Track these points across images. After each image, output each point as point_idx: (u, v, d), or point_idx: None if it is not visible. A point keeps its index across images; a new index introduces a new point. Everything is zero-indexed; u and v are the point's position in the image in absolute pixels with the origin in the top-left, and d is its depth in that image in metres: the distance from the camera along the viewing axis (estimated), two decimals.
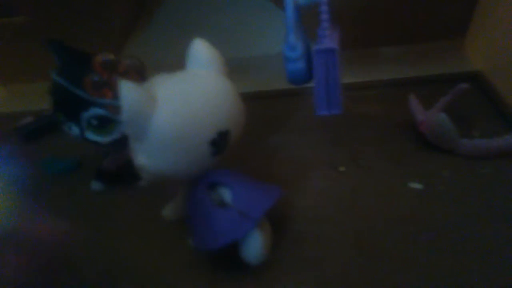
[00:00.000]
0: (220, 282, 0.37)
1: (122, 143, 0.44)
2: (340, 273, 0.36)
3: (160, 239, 0.43)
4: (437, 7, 0.63)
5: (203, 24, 0.75)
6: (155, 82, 0.35)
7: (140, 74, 0.43)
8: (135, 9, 0.72)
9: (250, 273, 0.37)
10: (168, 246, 0.42)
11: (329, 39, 0.40)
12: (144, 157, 0.35)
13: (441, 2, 0.62)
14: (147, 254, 0.42)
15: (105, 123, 0.44)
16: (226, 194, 0.37)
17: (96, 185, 0.51)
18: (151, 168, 0.35)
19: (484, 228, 0.37)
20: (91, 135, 0.44)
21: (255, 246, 0.36)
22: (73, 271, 0.41)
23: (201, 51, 0.36)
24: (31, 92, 0.83)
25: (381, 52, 0.56)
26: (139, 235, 0.44)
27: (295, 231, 0.41)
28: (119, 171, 0.50)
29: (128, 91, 0.32)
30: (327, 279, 0.36)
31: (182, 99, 0.34)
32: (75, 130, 0.44)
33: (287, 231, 0.41)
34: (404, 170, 0.45)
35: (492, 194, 0.40)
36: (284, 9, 0.42)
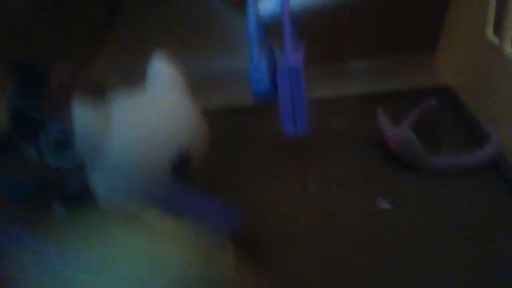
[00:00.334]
0: None
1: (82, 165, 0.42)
2: None
3: None
4: (406, 22, 0.63)
5: (174, 35, 0.73)
6: (112, 103, 0.34)
7: (99, 91, 0.41)
8: (104, 20, 0.70)
9: None
10: None
11: (293, 57, 0.39)
12: (101, 186, 0.34)
13: (410, 16, 0.63)
14: None
15: (64, 147, 0.42)
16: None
17: (58, 210, 0.49)
18: (109, 196, 0.34)
19: (450, 249, 0.37)
20: (52, 160, 0.42)
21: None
22: None
23: (160, 69, 0.35)
24: None
25: (349, 66, 0.56)
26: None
27: (262, 254, 0.40)
28: (80, 194, 0.48)
29: (80, 114, 0.31)
30: None
31: (137, 125, 0.33)
32: (33, 154, 0.42)
33: (253, 254, 0.40)
34: (374, 188, 0.45)
35: (459, 213, 0.40)
36: (247, 24, 0.41)
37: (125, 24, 0.73)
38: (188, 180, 0.37)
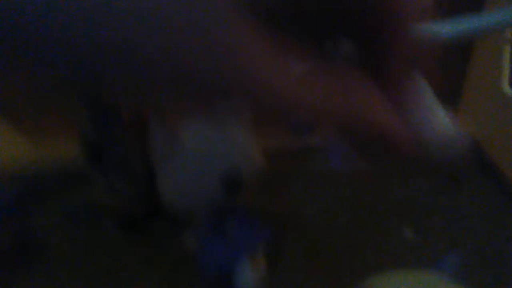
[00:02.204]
0: None
1: None
2: None
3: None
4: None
5: None
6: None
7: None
8: None
9: None
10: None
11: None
12: (167, 192, 0.41)
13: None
14: None
15: (127, 170, 0.48)
16: (231, 228, 0.41)
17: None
18: (173, 201, 0.42)
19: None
20: (115, 182, 0.49)
21: (245, 277, 0.39)
22: None
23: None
24: None
25: None
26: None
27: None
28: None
29: (157, 129, 0.39)
30: None
31: (200, 141, 0.40)
32: (100, 178, 0.49)
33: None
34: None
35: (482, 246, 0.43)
36: None
37: None
38: (237, 197, 0.42)
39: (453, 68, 0.67)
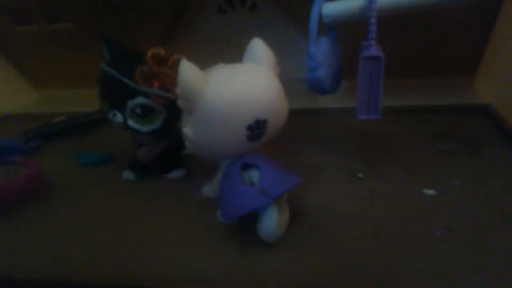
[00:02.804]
0: (238, 257, 0.40)
1: (160, 133, 0.48)
2: (355, 257, 0.38)
3: (189, 218, 0.46)
4: (449, 47, 0.68)
5: (231, 47, 0.80)
6: (211, 68, 0.41)
7: None
8: (169, 27, 0.78)
9: (267, 250, 0.40)
10: (198, 224, 0.45)
11: (375, 48, 0.44)
12: (189, 128, 0.40)
13: (452, 42, 0.68)
14: (177, 231, 0.44)
15: (147, 113, 0.48)
16: (255, 175, 0.40)
17: (128, 175, 0.54)
18: (193, 138, 0.40)
19: (493, 228, 0.40)
20: (133, 123, 0.48)
21: (269, 222, 0.39)
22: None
23: (256, 48, 0.41)
24: (62, 97, 0.88)
25: (390, 83, 0.62)
26: (169, 215, 0.47)
27: (313, 222, 0.43)
28: (151, 163, 0.53)
29: (186, 70, 0.37)
30: (343, 260, 0.38)
31: (228, 85, 0.39)
32: (119, 117, 0.48)
33: (304, 222, 0.44)
34: (419, 179, 0.49)
35: (501, 202, 0.43)
36: (309, 24, 0.47)
37: (188, 30, 0.80)
38: (259, 146, 0.42)
39: (474, 36, 0.66)
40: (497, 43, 0.63)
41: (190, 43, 0.83)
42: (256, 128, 0.40)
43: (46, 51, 0.83)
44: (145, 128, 0.48)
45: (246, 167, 0.41)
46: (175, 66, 0.45)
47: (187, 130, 0.41)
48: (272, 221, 0.39)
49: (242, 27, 0.80)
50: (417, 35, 0.67)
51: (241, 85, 0.39)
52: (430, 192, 0.46)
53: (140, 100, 0.47)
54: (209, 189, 0.49)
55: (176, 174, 0.54)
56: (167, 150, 0.53)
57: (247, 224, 0.42)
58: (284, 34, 0.79)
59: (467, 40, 0.67)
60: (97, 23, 0.76)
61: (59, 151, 0.65)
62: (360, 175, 0.51)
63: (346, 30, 0.51)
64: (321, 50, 0.48)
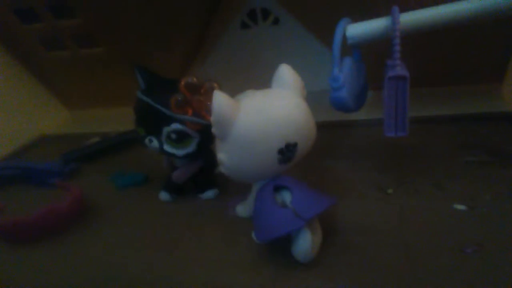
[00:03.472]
0: (274, 278, 0.41)
1: (193, 156, 0.50)
2: (387, 276, 0.39)
3: (224, 239, 0.48)
4: (475, 56, 0.69)
5: (255, 61, 0.82)
6: (241, 96, 0.43)
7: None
8: (195, 44, 0.81)
9: (303, 271, 0.41)
10: (233, 245, 0.47)
11: (400, 68, 0.45)
12: (223, 154, 0.42)
13: (479, 51, 0.68)
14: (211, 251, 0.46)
15: (182, 138, 0.50)
16: (287, 196, 0.42)
17: (164, 196, 0.57)
18: (228, 163, 0.42)
19: None
20: (169, 148, 0.51)
21: (303, 244, 0.40)
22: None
23: (285, 74, 0.43)
24: (95, 117, 0.92)
25: (420, 92, 0.62)
26: (204, 235, 0.49)
27: (345, 241, 0.45)
28: (186, 183, 0.56)
29: (219, 99, 0.40)
30: (375, 280, 0.39)
31: (259, 112, 0.41)
32: (155, 143, 0.51)
33: (337, 241, 0.45)
34: (449, 193, 0.49)
35: None
36: (332, 46, 0.48)
37: (213, 46, 0.83)
38: (290, 167, 0.43)
39: (499, 43, 0.66)
40: None
41: (214, 58, 0.85)
42: (287, 151, 0.42)
43: (78, 74, 0.87)
44: (180, 152, 0.51)
45: (278, 189, 0.43)
46: (208, 93, 0.48)
47: (222, 156, 0.43)
48: (306, 243, 0.40)
49: (265, 41, 0.82)
50: (441, 41, 0.68)
51: (270, 112, 0.41)
52: (461, 207, 0.47)
53: (175, 126, 0.49)
54: (242, 209, 0.51)
55: (209, 194, 0.56)
56: (200, 171, 0.55)
57: (282, 244, 0.43)
58: (307, 47, 0.80)
59: (493, 45, 0.67)
60: (125, 47, 0.79)
61: (97, 173, 0.68)
62: (389, 190, 0.52)
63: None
64: (345, 71, 0.49)
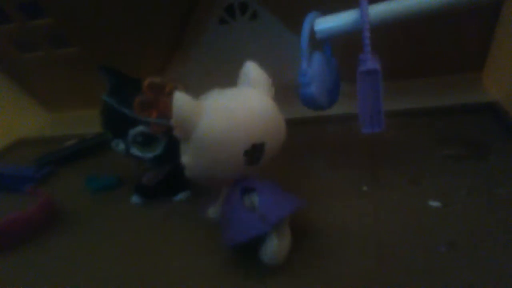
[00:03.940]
0: (245, 282, 0.40)
1: (162, 159, 0.49)
2: (359, 278, 0.38)
3: (195, 242, 0.47)
4: (454, 44, 0.67)
5: (235, 56, 0.81)
6: (205, 96, 0.42)
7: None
8: (173, 41, 0.79)
9: (272, 274, 0.40)
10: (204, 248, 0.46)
11: (371, 62, 0.44)
12: (187, 156, 0.41)
13: (458, 38, 0.67)
14: (182, 259, 0.45)
15: (149, 140, 0.49)
16: (256, 198, 0.41)
17: (135, 199, 0.55)
18: (191, 166, 0.41)
19: (496, 243, 0.39)
20: (136, 151, 0.49)
21: (270, 248, 0.39)
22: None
23: (251, 71, 0.42)
24: (74, 118, 0.90)
25: (398, 84, 0.61)
26: (175, 239, 0.48)
27: (316, 243, 0.43)
28: (157, 186, 0.54)
29: (180, 100, 0.38)
30: (345, 282, 0.38)
31: (222, 113, 0.39)
32: (121, 146, 0.49)
33: (308, 244, 0.43)
34: (424, 189, 0.48)
35: (506, 213, 0.43)
36: (300, 40, 0.47)
37: (192, 42, 0.81)
38: (258, 168, 0.42)
39: (479, 32, 0.65)
40: (504, 35, 0.61)
41: (193, 54, 0.84)
42: (254, 152, 0.40)
43: (54, 75, 0.85)
44: (147, 155, 0.49)
45: (248, 190, 0.42)
46: (172, 94, 0.46)
47: (185, 158, 0.41)
48: (273, 247, 0.39)
49: (243, 36, 0.80)
50: (416, 31, 0.66)
51: (235, 112, 0.40)
52: (435, 204, 0.46)
53: (140, 129, 0.48)
54: (214, 211, 0.49)
55: (181, 196, 0.54)
56: (171, 173, 0.53)
57: (251, 248, 0.42)
58: (285, 42, 0.78)
59: (471, 31, 0.66)
60: (101, 46, 0.77)
61: (71, 176, 0.67)
62: (364, 187, 0.50)
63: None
64: (314, 66, 0.48)
